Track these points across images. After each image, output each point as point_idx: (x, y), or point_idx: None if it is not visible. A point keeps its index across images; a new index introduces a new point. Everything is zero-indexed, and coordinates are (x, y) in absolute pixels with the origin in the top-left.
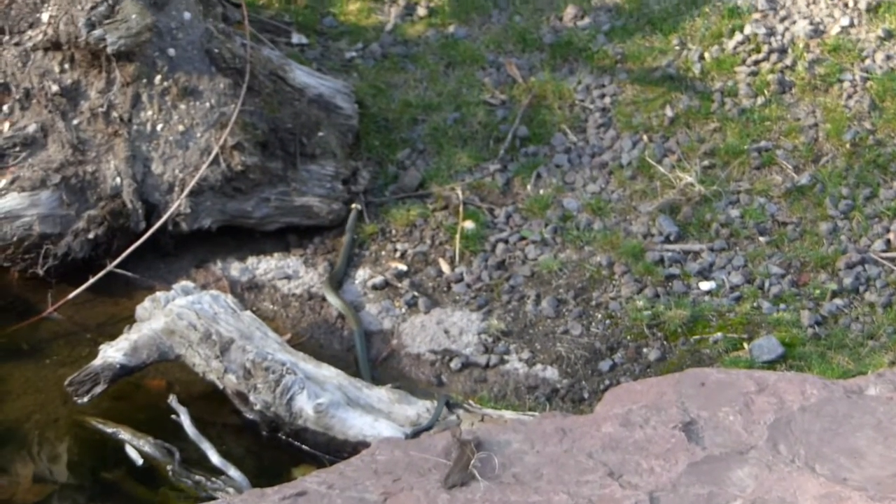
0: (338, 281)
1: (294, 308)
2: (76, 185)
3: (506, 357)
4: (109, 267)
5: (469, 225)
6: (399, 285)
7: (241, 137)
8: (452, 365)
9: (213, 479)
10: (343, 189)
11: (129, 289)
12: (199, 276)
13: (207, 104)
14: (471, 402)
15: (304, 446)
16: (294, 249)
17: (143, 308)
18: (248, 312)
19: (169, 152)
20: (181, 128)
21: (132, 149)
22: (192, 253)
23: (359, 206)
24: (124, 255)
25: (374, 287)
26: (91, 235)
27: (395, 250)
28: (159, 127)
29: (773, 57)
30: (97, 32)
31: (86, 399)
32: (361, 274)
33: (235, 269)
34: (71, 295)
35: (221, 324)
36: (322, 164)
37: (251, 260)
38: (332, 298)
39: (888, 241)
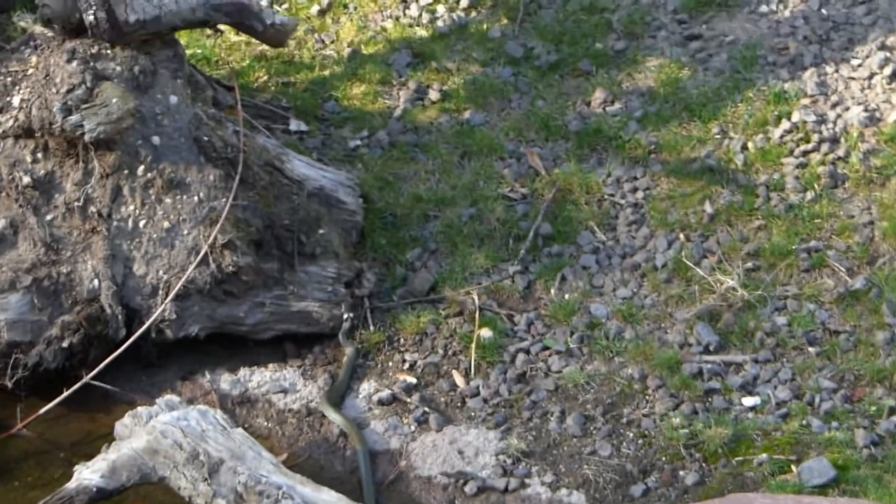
0: (339, 395)
1: (291, 425)
2: (49, 288)
3: (527, 481)
4: (85, 379)
5: (486, 333)
6: (408, 400)
7: (233, 235)
8: (467, 489)
9: None
10: (346, 293)
11: (107, 403)
12: (186, 390)
13: (196, 198)
14: None
15: None
16: (291, 360)
17: (123, 425)
18: (240, 430)
19: (153, 251)
20: (166, 224)
21: (112, 247)
22: (178, 363)
23: (350, 314)
24: (102, 365)
25: (381, 402)
26: (65, 344)
27: (404, 361)
28: (142, 223)
29: (824, 147)
30: (74, 118)
31: None
32: (366, 387)
33: (226, 381)
34: (42, 410)
35: (210, 442)
36: (323, 264)
37: (243, 371)
38: (332, 415)
39: None
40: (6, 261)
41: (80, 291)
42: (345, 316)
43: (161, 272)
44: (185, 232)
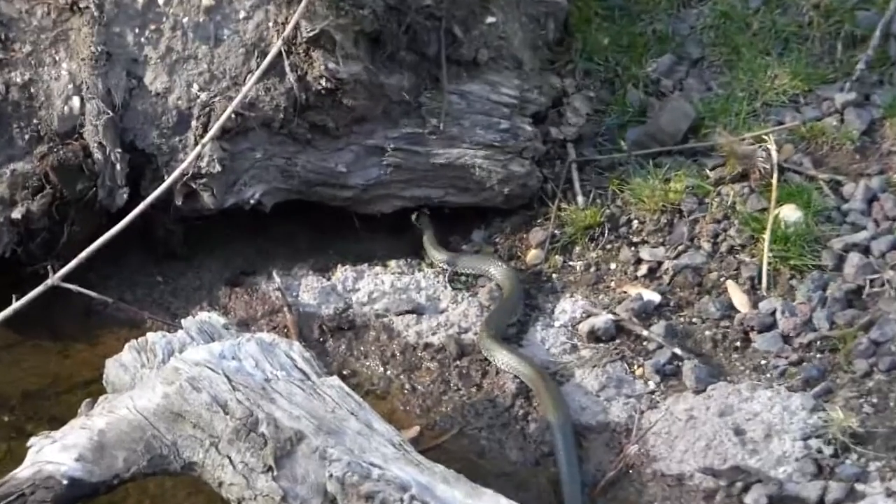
0: (511, 321)
1: (428, 373)
2: None
3: (860, 486)
4: (52, 280)
5: (790, 214)
6: (644, 333)
7: (329, 22)
8: (750, 499)
9: None
10: (531, 132)
11: (95, 323)
12: (236, 302)
13: None
14: None
15: None
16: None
17: (121, 365)
18: (335, 380)
19: (180, 50)
20: (206, 2)
21: (104, 38)
22: (223, 257)
23: (426, 211)
24: (82, 256)
25: (594, 335)
26: (17, 213)
27: (638, 261)
28: (160, 0)
29: None
30: None
31: None
32: (567, 308)
33: (308, 289)
34: None
35: (280, 402)
36: (493, 81)
37: (341, 273)
38: (502, 357)
39: None
40: None
41: (48, 119)
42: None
43: (196, 88)
44: (241, 14)
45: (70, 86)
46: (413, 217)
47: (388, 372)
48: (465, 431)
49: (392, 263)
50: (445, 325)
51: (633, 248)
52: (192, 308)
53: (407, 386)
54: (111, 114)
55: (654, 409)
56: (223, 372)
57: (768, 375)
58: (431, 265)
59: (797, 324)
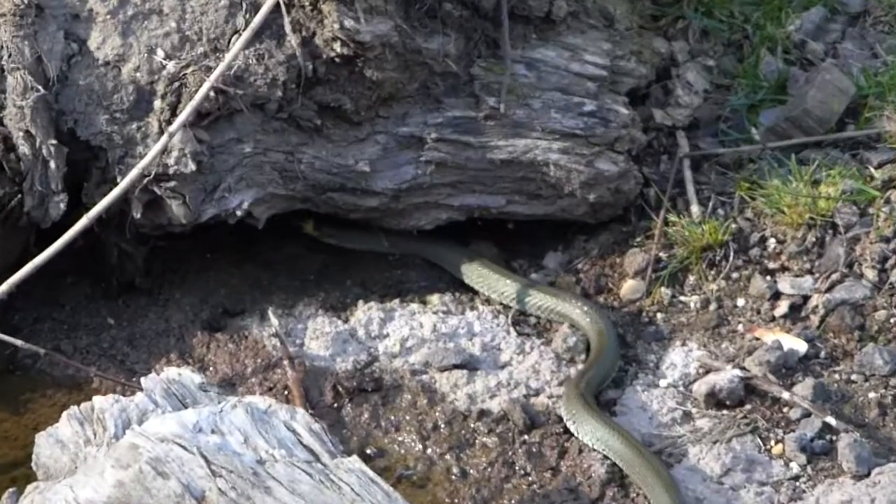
0: (605, 382)
1: (486, 449)
2: None
3: None
4: None
5: None
6: (784, 395)
7: None
8: None
9: None
10: (627, 116)
11: (21, 384)
12: (217, 353)
13: None
14: None
15: None
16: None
17: (56, 441)
18: (356, 461)
19: (138, 2)
20: None
21: None
22: (199, 289)
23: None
24: (5, 287)
25: (714, 398)
26: None
27: (775, 294)
28: None
29: None
30: None
31: None
32: (675, 360)
33: (319, 334)
34: None
35: (278, 493)
36: (573, 44)
37: (364, 311)
38: (590, 428)
39: None
40: None
41: None
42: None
43: (161, 54)
44: None
45: None
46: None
47: (429, 450)
48: None
49: (433, 299)
50: (508, 384)
51: (768, 278)
52: (155, 362)
53: (455, 469)
54: (42, 91)
55: (798, 501)
56: (199, 451)
57: None
58: (489, 301)
59: None
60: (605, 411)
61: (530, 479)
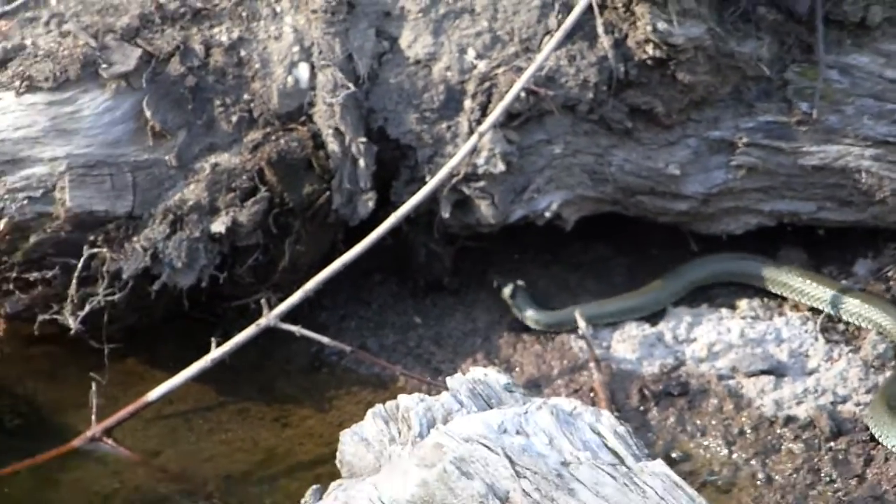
0: None
1: (791, 455)
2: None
3: None
4: (268, 318)
5: None
6: None
7: None
8: None
9: None
10: None
11: (326, 381)
12: (523, 354)
13: None
14: None
15: None
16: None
17: (361, 439)
18: (661, 465)
19: (450, 0)
20: None
21: None
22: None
23: (521, 283)
24: (312, 285)
25: None
26: (220, 226)
27: None
28: None
29: None
30: None
31: None
32: None
33: (626, 337)
34: (128, 410)
35: (582, 495)
36: (888, 51)
37: (673, 316)
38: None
39: None
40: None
41: (263, 94)
42: (518, 283)
43: (472, 54)
44: None
45: (296, 48)
46: (495, 284)
47: (735, 455)
48: None
49: (742, 304)
50: (815, 391)
51: None
52: (461, 362)
53: (760, 475)
54: (352, 88)
55: None
56: (504, 452)
57: None
58: (797, 307)
59: None
60: None
61: (836, 486)
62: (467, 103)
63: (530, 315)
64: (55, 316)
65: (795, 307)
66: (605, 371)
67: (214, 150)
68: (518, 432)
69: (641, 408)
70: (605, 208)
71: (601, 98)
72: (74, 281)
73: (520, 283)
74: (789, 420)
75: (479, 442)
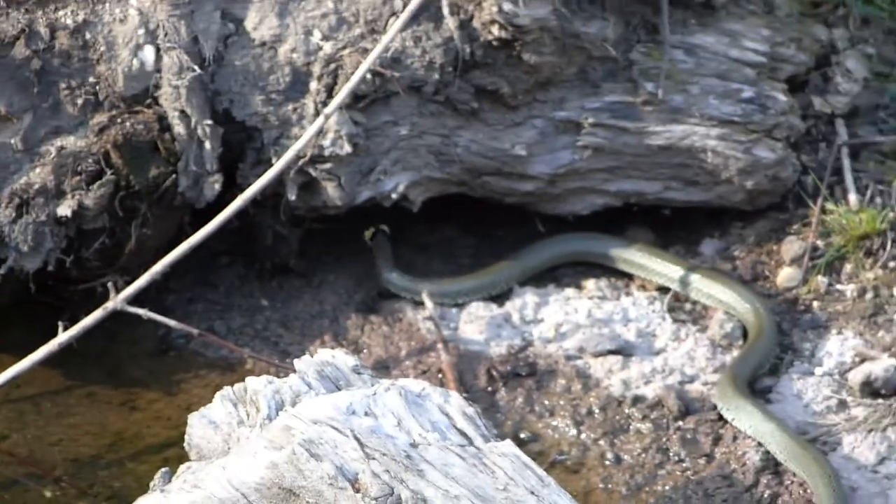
0: (762, 370)
1: (640, 435)
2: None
3: None
4: (115, 301)
5: None
6: None
7: None
8: None
9: None
10: (786, 104)
11: (173, 364)
12: (371, 336)
13: None
14: None
15: None
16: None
17: (209, 422)
18: (510, 445)
19: None
20: None
21: None
22: (354, 272)
23: (384, 228)
24: (159, 268)
25: (870, 387)
26: (65, 210)
27: None
28: None
29: None
30: None
31: None
32: (831, 349)
33: (473, 318)
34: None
35: (431, 476)
36: (733, 30)
37: (519, 296)
38: (747, 417)
39: None
40: None
41: (108, 76)
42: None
43: (317, 35)
44: None
45: (141, 31)
46: (367, 235)
47: (583, 435)
48: None
49: (589, 284)
50: (663, 371)
51: None
52: (309, 344)
53: (609, 455)
54: (198, 71)
55: None
56: (353, 433)
57: None
58: (644, 287)
59: None
60: (760, 399)
61: (684, 465)
62: (313, 85)
63: (382, 265)
64: None
65: (643, 287)
66: (452, 352)
67: (60, 133)
68: (367, 414)
69: (489, 388)
70: (452, 189)
71: (447, 79)
72: None
73: (383, 227)
74: (637, 400)
75: (328, 424)
